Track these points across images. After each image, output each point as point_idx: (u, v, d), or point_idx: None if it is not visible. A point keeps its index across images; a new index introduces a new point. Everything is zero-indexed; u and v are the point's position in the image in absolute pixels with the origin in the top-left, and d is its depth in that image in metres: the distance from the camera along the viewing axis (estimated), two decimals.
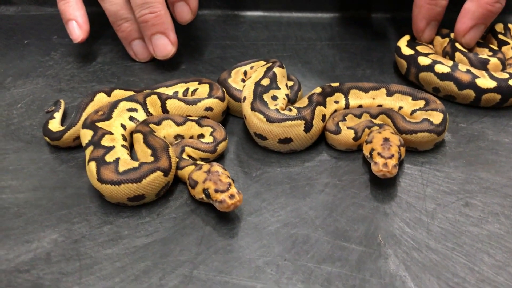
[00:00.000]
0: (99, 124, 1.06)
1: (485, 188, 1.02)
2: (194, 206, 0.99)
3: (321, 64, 1.44)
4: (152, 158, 0.99)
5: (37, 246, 0.91)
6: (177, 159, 1.03)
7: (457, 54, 1.31)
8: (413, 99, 1.16)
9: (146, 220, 0.96)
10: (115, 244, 0.91)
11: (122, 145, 1.04)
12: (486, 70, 1.27)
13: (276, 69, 1.19)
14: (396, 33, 1.59)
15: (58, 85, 1.36)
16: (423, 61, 1.28)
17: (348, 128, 1.10)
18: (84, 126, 1.07)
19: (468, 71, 1.23)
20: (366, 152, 1.04)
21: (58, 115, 1.21)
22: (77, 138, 1.12)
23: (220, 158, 1.10)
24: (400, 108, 1.16)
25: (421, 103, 1.15)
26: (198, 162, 1.02)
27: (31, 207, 0.98)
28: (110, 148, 1.00)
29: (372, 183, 1.03)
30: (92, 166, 0.96)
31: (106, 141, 1.02)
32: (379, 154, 0.99)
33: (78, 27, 1.36)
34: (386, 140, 1.03)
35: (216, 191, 0.91)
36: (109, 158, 0.98)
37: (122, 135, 1.08)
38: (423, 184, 1.03)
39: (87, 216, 0.97)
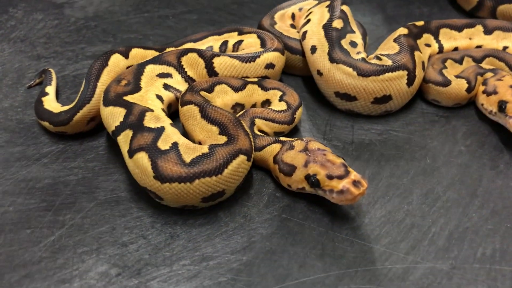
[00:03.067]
0: (129, 98, 0.74)
1: None
2: (289, 199, 0.70)
3: (364, 4, 1.17)
4: (224, 138, 0.69)
5: (81, 287, 0.60)
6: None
7: None
8: None
9: (232, 227, 0.66)
10: (199, 271, 0.61)
11: (171, 124, 0.72)
12: None
13: (344, 7, 0.91)
14: None
15: (33, 50, 1.01)
16: None
17: (457, 77, 0.85)
18: (108, 102, 0.74)
19: None
20: (490, 105, 0.80)
21: (51, 90, 0.86)
22: (93, 119, 0.79)
23: (293, 132, 0.82)
24: (505, 48, 0.92)
25: None
26: (283, 139, 0.73)
27: (50, 226, 0.66)
28: (160, 131, 0.69)
29: (507, 145, 0.79)
30: (143, 160, 0.65)
31: (150, 121, 0.70)
32: None
33: None
34: None
35: (330, 177, 0.64)
36: (163, 144, 0.67)
37: (163, 110, 0.76)
38: None
39: (142, 230, 0.66)
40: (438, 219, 0.68)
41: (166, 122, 0.71)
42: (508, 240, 0.65)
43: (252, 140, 0.71)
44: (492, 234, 0.66)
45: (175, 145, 0.67)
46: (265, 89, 0.82)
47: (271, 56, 0.83)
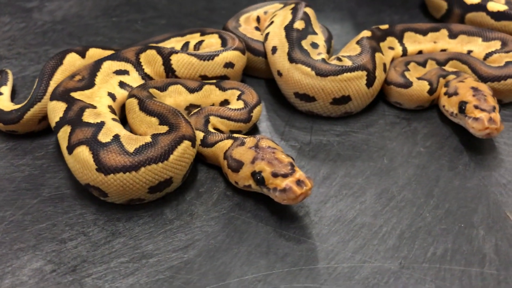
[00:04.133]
0: (76, 94, 0.72)
1: None
2: (240, 198, 0.68)
3: (336, 12, 1.16)
4: (165, 127, 0.67)
5: (12, 284, 0.57)
6: (203, 133, 0.72)
7: None
8: (484, 40, 0.91)
9: (177, 225, 0.64)
10: (137, 268, 0.59)
11: (114, 119, 0.71)
12: None
13: (307, 9, 0.90)
14: None
15: None
16: None
17: (419, 79, 0.84)
18: (53, 96, 0.72)
19: None
20: (451, 107, 0.79)
21: (6, 90, 0.85)
22: (45, 118, 0.77)
23: (252, 131, 0.80)
24: (470, 52, 0.91)
25: (496, 44, 0.90)
26: (236, 135, 0.72)
27: None
28: (100, 125, 0.67)
29: (466, 147, 0.77)
30: (84, 153, 0.63)
31: (89, 117, 0.68)
32: (477, 107, 0.74)
33: None
34: (475, 89, 0.78)
35: (275, 175, 0.62)
36: (104, 137, 0.65)
37: (110, 107, 0.74)
38: None
39: (83, 227, 0.64)
40: (390, 218, 0.66)
41: (107, 117, 0.70)
42: (460, 240, 0.63)
43: (193, 128, 0.70)
44: (444, 234, 0.64)
45: (116, 137, 0.65)
46: (223, 89, 0.80)
47: (230, 55, 0.82)
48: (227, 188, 0.70)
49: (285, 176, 0.61)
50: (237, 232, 0.63)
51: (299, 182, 0.60)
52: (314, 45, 0.84)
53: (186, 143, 0.66)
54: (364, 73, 0.79)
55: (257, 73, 0.92)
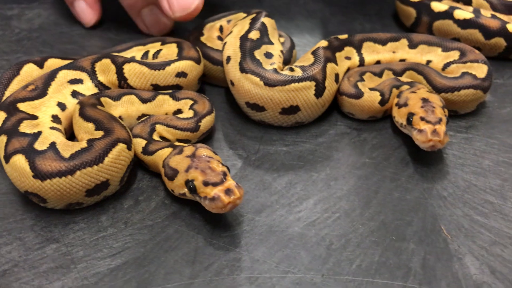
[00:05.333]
0: (22, 105, 0.74)
1: None
2: (177, 207, 0.69)
3: (309, 20, 1.17)
4: (100, 132, 0.69)
5: None
6: (146, 141, 0.73)
7: None
8: (443, 50, 0.91)
9: (110, 233, 0.65)
10: (66, 272, 0.60)
11: (52, 127, 0.72)
12: None
13: (265, 19, 0.91)
14: None
15: None
16: (438, 7, 1.04)
17: (371, 89, 0.84)
18: (0, 106, 0.74)
19: (493, 16, 1.00)
20: (400, 118, 0.78)
21: None
22: None
23: (206, 140, 0.81)
24: (429, 62, 0.91)
25: (454, 55, 0.90)
26: (177, 144, 0.73)
27: None
28: (37, 135, 0.68)
29: (413, 159, 0.77)
30: (20, 161, 0.65)
31: (26, 128, 0.70)
32: (423, 119, 0.74)
33: (88, 7, 1.09)
34: (425, 101, 0.78)
35: (206, 183, 0.62)
36: (40, 146, 0.66)
37: (55, 117, 0.76)
38: (476, 155, 0.78)
39: (20, 233, 0.65)
40: (322, 229, 0.66)
41: (45, 127, 0.71)
42: (389, 252, 0.63)
43: (129, 131, 0.72)
44: (374, 247, 0.64)
45: (52, 144, 0.67)
46: (177, 99, 0.81)
47: (182, 65, 0.83)
48: (166, 197, 0.71)
49: (215, 185, 0.62)
50: (167, 241, 0.64)
51: (228, 191, 0.61)
52: (268, 55, 0.85)
53: (121, 146, 0.67)
54: (313, 83, 0.79)
55: (217, 81, 0.93)
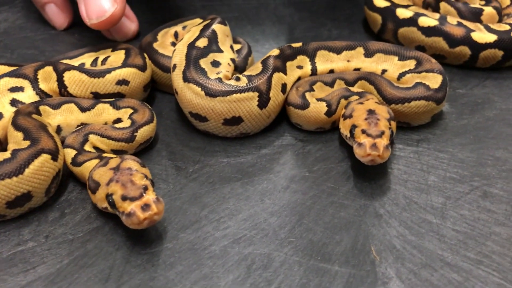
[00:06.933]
0: None
1: (505, 171, 0.75)
2: (101, 221, 0.67)
3: (276, 26, 1.14)
4: (27, 142, 0.68)
5: None
6: (76, 152, 0.72)
7: (443, 4, 1.04)
8: (400, 59, 0.87)
9: (29, 246, 0.64)
10: None
11: None
12: (480, 22, 1.01)
13: (216, 26, 0.88)
14: None
15: None
16: (403, 13, 1.00)
17: (318, 100, 0.81)
18: None
19: (459, 23, 0.96)
20: (345, 130, 0.76)
21: None
22: None
23: (146, 150, 0.79)
24: (384, 71, 0.87)
25: (411, 64, 0.87)
26: (105, 155, 0.71)
27: None
28: None
29: (355, 173, 0.74)
30: None
31: None
32: (364, 132, 0.71)
33: (59, 10, 1.08)
34: (371, 112, 0.74)
35: (124, 198, 0.60)
36: None
37: None
38: (423, 170, 0.75)
39: None
40: (246, 247, 0.63)
41: None
42: (311, 274, 0.60)
43: (57, 142, 0.70)
44: (297, 267, 0.61)
45: None
46: (117, 107, 0.80)
47: (124, 72, 0.81)
48: (93, 210, 0.69)
49: (132, 199, 0.60)
50: (85, 257, 0.62)
51: (145, 207, 0.59)
52: (215, 64, 0.82)
53: (45, 157, 0.66)
54: (256, 94, 0.77)
55: (168, 89, 0.91)
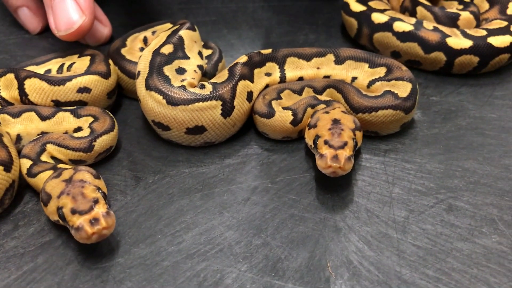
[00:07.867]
0: None
1: (473, 183, 0.73)
2: (55, 234, 0.66)
3: (253, 30, 1.12)
4: None
5: None
6: (31, 162, 0.70)
7: (419, 8, 1.02)
8: (370, 67, 0.86)
9: None
10: None
11: None
12: (457, 27, 0.99)
13: (184, 32, 0.86)
14: None
15: None
16: (378, 18, 0.98)
17: (284, 108, 0.79)
18: None
19: (435, 29, 0.94)
20: (309, 140, 0.74)
21: None
22: None
23: (107, 159, 0.78)
24: (354, 79, 0.86)
25: (381, 71, 0.85)
26: (60, 166, 0.69)
27: None
28: None
29: (318, 184, 0.72)
30: None
31: None
32: (326, 142, 0.69)
33: (32, 14, 1.06)
34: (335, 122, 0.73)
35: (74, 211, 0.59)
36: None
37: None
38: (388, 182, 0.73)
39: None
40: (199, 263, 0.62)
41: None
42: None
43: (12, 152, 0.69)
44: (249, 284, 0.59)
45: None
46: (78, 116, 0.78)
47: (85, 80, 0.80)
48: (47, 223, 0.67)
49: (81, 213, 0.59)
50: (33, 272, 0.61)
51: (94, 221, 0.58)
52: (180, 71, 0.80)
53: None
54: (219, 102, 0.75)
55: (135, 95, 0.89)
